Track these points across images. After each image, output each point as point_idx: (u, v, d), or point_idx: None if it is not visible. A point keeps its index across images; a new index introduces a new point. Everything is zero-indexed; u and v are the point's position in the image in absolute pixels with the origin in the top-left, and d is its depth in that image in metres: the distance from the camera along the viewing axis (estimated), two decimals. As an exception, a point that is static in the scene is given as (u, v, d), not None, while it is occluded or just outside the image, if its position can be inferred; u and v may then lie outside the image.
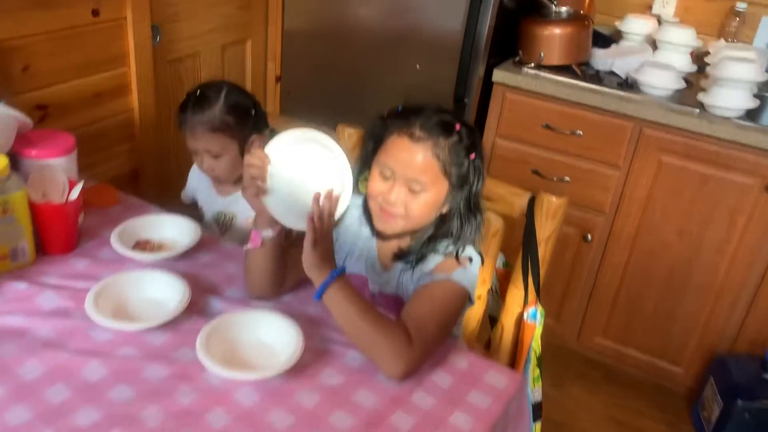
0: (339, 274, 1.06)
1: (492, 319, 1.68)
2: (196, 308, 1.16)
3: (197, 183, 1.67)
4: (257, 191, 1.12)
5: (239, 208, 1.56)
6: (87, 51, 1.77)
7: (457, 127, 1.13)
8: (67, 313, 1.13)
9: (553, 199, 1.41)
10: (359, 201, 1.26)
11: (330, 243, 1.10)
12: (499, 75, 2.16)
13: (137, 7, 1.84)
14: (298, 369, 1.05)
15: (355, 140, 1.64)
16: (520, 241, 1.48)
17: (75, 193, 1.25)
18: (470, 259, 1.19)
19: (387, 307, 1.24)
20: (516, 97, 2.18)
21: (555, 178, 2.20)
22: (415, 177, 1.12)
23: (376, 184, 1.16)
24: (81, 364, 1.03)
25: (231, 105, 1.48)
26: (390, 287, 1.25)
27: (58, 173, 1.26)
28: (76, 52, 1.74)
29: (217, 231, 1.63)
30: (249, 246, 1.16)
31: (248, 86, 2.49)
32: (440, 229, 1.19)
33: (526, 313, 1.47)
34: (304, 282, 1.20)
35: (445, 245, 1.19)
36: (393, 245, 1.24)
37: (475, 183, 1.17)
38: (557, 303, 2.36)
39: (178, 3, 2.04)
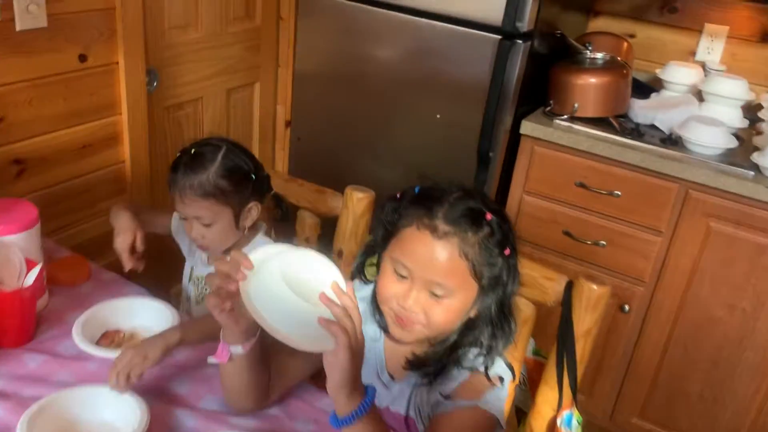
0: (371, 404, 0.85)
1: (518, 410, 1.46)
2: (164, 428, 0.96)
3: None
4: (222, 305, 0.87)
5: None
6: (72, 99, 1.61)
7: (488, 216, 0.93)
8: (8, 427, 0.93)
9: (594, 287, 1.20)
10: (364, 292, 1.06)
11: (362, 357, 0.86)
12: (528, 127, 1.96)
13: (130, 51, 1.68)
14: None
15: (365, 205, 1.45)
16: (554, 332, 1.27)
17: (31, 278, 1.06)
18: (501, 379, 0.98)
19: (396, 429, 1.02)
20: (546, 152, 1.97)
21: (589, 242, 1.98)
22: (438, 280, 0.92)
23: (390, 285, 0.95)
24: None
25: (228, 168, 1.28)
26: (399, 404, 1.03)
27: (13, 253, 1.08)
28: (59, 101, 1.58)
29: (189, 295, 1.44)
30: (213, 360, 0.95)
31: (256, 131, 2.32)
32: (466, 336, 0.98)
33: (559, 419, 1.26)
34: (294, 390, 1.00)
35: (472, 357, 0.98)
36: (405, 350, 1.03)
37: (510, 284, 0.96)
38: (590, 377, 2.12)
39: (177, 45, 1.88)
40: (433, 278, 0.91)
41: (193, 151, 1.30)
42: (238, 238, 1.35)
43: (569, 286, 1.24)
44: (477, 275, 0.92)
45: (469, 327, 0.98)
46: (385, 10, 2.04)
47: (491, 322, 0.97)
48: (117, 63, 1.67)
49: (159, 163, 1.94)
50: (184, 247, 1.48)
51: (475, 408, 0.93)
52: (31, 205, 1.18)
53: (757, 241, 1.77)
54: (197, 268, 1.44)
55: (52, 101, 1.56)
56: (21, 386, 1.01)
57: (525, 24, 1.86)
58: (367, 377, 1.06)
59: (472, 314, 0.97)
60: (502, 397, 0.97)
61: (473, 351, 0.98)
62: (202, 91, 2.03)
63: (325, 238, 1.56)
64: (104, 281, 1.30)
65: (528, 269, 1.28)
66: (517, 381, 1.37)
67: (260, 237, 1.39)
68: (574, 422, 1.24)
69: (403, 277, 0.94)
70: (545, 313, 1.32)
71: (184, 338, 1.06)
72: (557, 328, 1.24)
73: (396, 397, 1.04)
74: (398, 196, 0.99)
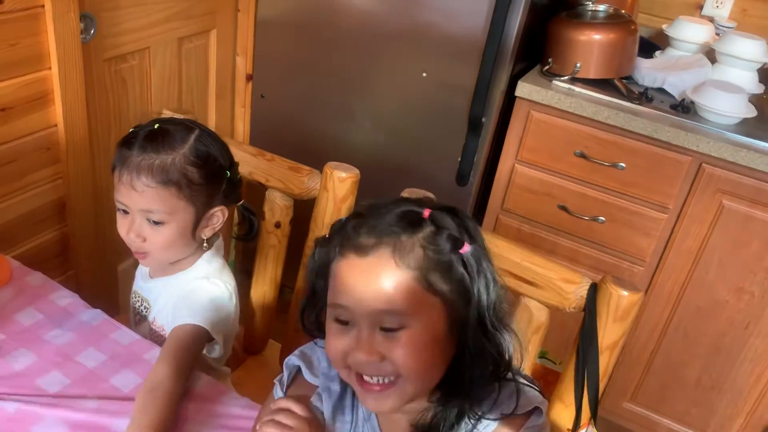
0: None
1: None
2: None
3: None
4: None
5: (158, 298, 1.13)
6: (-14, 51, 1.31)
7: (425, 213, 0.73)
8: None
9: (625, 293, 1.01)
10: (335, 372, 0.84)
11: None
12: (524, 89, 1.74)
13: (59, -8, 1.38)
14: None
15: (348, 186, 1.23)
16: (564, 331, 1.09)
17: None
18: (539, 411, 0.78)
19: None
20: (544, 117, 1.76)
21: (587, 217, 1.80)
22: (381, 308, 0.70)
23: (335, 342, 0.74)
24: None
25: (201, 155, 1.02)
26: None
27: None
28: (-31, 54, 1.28)
29: (132, 316, 1.21)
30: None
31: (212, 86, 2.03)
32: (458, 374, 0.76)
33: (577, 440, 1.09)
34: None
35: (490, 403, 0.78)
36: (403, 418, 0.81)
37: (483, 289, 0.74)
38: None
39: (118, -15, 1.58)
40: (374, 308, 0.70)
41: (156, 126, 1.02)
42: (187, 253, 1.09)
43: (593, 291, 1.05)
44: (430, 286, 0.71)
45: (457, 362, 0.76)
46: (363, -51, 1.76)
47: (479, 345, 0.75)
48: (42, 6, 1.37)
49: (100, 125, 1.66)
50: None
51: None
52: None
53: (774, 222, 1.62)
54: (138, 281, 1.19)
55: (-40, 54, 1.27)
56: None
57: (526, -30, 1.62)
58: None
59: (450, 343, 0.75)
60: (540, 423, 0.77)
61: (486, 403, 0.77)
62: (148, 40, 1.73)
63: (298, 224, 1.33)
64: (28, 285, 1.05)
65: (543, 269, 1.09)
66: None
67: (210, 255, 1.12)
68: (594, 444, 1.08)
69: (345, 324, 0.73)
70: (561, 321, 1.13)
71: None
72: (576, 337, 1.06)
73: None
74: (327, 235, 0.77)
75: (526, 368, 1.13)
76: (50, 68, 1.45)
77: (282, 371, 0.89)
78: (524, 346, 0.85)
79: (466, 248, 0.73)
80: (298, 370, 0.87)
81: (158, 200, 1.00)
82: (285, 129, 2.05)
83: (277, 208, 1.32)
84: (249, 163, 1.30)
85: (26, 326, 0.99)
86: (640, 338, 1.88)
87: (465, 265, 0.73)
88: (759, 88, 1.79)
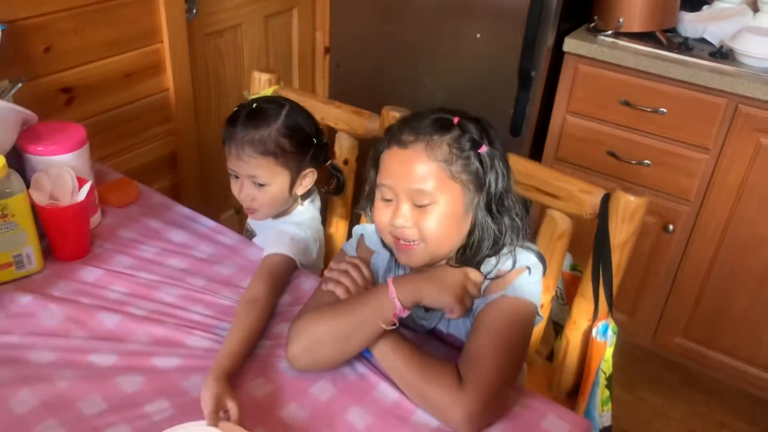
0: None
1: (556, 324, 1.49)
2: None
3: None
4: None
5: (261, 232, 1.38)
6: (115, 27, 1.64)
7: (455, 120, 0.95)
8: (68, 334, 1.01)
9: (632, 198, 1.19)
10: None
11: None
12: (570, 44, 1.91)
13: (168, -22, 1.69)
14: None
15: (402, 125, 1.45)
16: (591, 245, 1.27)
17: (82, 194, 1.12)
18: (528, 269, 0.99)
19: (444, 349, 1.06)
20: (590, 70, 1.93)
21: (633, 161, 1.95)
22: (415, 187, 0.93)
23: (381, 213, 0.98)
24: (78, 395, 0.91)
25: (291, 127, 1.23)
26: (441, 325, 1.08)
27: (65, 171, 1.14)
28: (102, 29, 1.61)
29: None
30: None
31: (295, 58, 2.33)
32: (471, 241, 0.99)
33: (595, 329, 1.27)
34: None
35: (494, 263, 1.00)
36: None
37: (494, 182, 0.96)
38: (632, 298, 2.13)
39: (215, -29, 1.88)
40: (410, 187, 0.93)
41: (254, 105, 1.25)
42: (287, 206, 1.33)
43: (606, 199, 1.23)
44: (453, 175, 0.93)
45: (470, 233, 0.99)
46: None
47: (487, 217, 0.97)
48: (156, -10, 1.70)
49: (201, 90, 1.98)
50: None
51: (502, 298, 0.95)
52: (80, 126, 1.24)
53: (810, 156, 1.71)
54: (249, 221, 1.43)
55: (96, 29, 1.60)
56: (80, 296, 1.08)
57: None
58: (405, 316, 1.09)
59: (468, 221, 0.98)
60: (532, 282, 0.98)
61: (493, 259, 1.00)
62: (240, 18, 2.04)
63: (363, 159, 1.58)
64: (153, 203, 1.36)
65: (564, 183, 1.28)
66: (553, 293, 1.39)
67: (304, 208, 1.36)
68: (610, 332, 1.26)
69: (389, 200, 0.97)
70: (581, 227, 1.32)
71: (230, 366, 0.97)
72: (593, 238, 1.25)
73: (431, 320, 1.08)
74: (382, 134, 1.01)
75: (553, 271, 1.33)
76: (162, 42, 1.77)
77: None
78: (528, 228, 1.06)
79: (483, 149, 0.96)
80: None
81: (260, 167, 1.22)
82: (357, 93, 2.30)
83: (345, 147, 1.57)
84: (321, 110, 1.55)
85: (154, 228, 1.29)
86: (688, 275, 2.01)
87: (481, 162, 0.96)
88: (799, 33, 1.87)
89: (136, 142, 1.80)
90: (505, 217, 0.99)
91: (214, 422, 0.85)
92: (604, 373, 1.27)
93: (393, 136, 0.97)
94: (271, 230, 1.29)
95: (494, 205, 0.98)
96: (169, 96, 1.84)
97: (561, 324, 1.41)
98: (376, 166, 1.01)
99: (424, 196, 0.94)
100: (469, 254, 0.99)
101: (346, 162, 1.59)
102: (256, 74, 1.62)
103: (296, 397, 0.94)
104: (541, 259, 1.04)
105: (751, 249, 1.89)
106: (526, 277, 0.98)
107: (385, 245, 1.06)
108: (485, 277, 0.99)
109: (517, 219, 1.00)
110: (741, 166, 1.81)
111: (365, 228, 1.13)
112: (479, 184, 0.96)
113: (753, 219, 1.85)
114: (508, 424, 0.92)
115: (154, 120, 1.83)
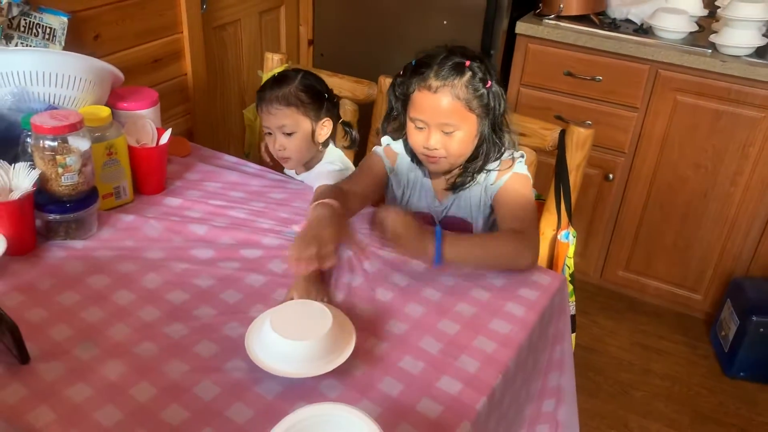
0: (440, 232, 1.17)
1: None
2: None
3: None
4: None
5: (304, 179, 1.67)
6: (145, 19, 1.94)
7: (467, 63, 1.28)
8: (170, 239, 1.31)
9: (582, 130, 1.57)
10: (397, 146, 1.45)
11: (411, 218, 1.18)
12: (521, 27, 2.31)
13: (187, -22, 2.01)
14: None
15: (396, 89, 1.80)
16: (552, 173, 1.64)
17: (165, 138, 1.43)
18: (521, 155, 1.39)
19: (453, 229, 1.40)
20: (538, 47, 2.33)
21: (578, 123, 2.35)
22: (444, 121, 1.28)
23: (416, 137, 1.32)
24: (192, 275, 1.21)
25: (306, 85, 1.55)
26: (451, 213, 1.44)
27: (148, 122, 1.44)
28: (136, 21, 1.91)
29: None
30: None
31: (283, 49, 2.65)
32: (480, 151, 1.35)
33: (559, 235, 1.64)
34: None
35: (495, 165, 1.37)
36: (443, 181, 1.42)
37: (497, 107, 1.32)
38: (581, 241, 2.52)
39: (220, -27, 2.20)
40: (440, 120, 1.28)
41: (277, 74, 1.61)
42: (313, 153, 1.62)
43: (563, 132, 1.61)
44: (471, 108, 1.28)
45: (479, 146, 1.35)
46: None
47: (491, 139, 1.34)
48: (178, -13, 2.01)
49: (212, 76, 2.28)
50: None
51: (513, 175, 1.35)
52: (153, 90, 1.54)
53: (715, 108, 2.15)
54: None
55: (133, 21, 1.89)
56: (170, 216, 1.39)
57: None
58: (425, 206, 1.47)
59: (478, 139, 1.34)
60: (524, 165, 1.38)
61: (494, 164, 1.37)
62: (239, 14, 2.35)
63: (363, 121, 1.92)
64: (202, 154, 1.67)
65: (530, 123, 1.64)
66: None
67: (329, 152, 1.64)
68: (571, 236, 1.63)
69: (421, 128, 1.31)
70: (544, 158, 1.69)
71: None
72: (554, 165, 1.62)
73: (444, 211, 1.45)
74: (402, 72, 1.35)
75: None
76: (182, 32, 2.07)
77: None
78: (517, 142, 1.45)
79: (489, 84, 1.31)
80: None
81: (286, 117, 1.52)
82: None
83: (348, 111, 1.91)
84: (327, 80, 1.87)
85: (210, 170, 1.59)
86: (627, 216, 2.42)
87: (488, 94, 1.31)
88: (703, 12, 2.32)
89: (163, 118, 2.08)
90: (504, 133, 1.36)
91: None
92: (569, 268, 1.64)
93: (423, 80, 1.28)
94: (310, 174, 1.62)
95: (497, 125, 1.35)
96: (187, 80, 2.14)
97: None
98: (405, 100, 1.34)
99: (450, 126, 1.29)
100: (479, 162, 1.36)
101: (350, 123, 1.93)
102: (268, 55, 1.94)
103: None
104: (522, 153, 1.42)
105: (675, 188, 2.31)
106: (520, 162, 1.37)
107: (413, 158, 1.41)
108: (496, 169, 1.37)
109: (512, 134, 1.38)
110: (663, 120, 2.23)
111: (389, 138, 1.47)
112: (487, 110, 1.32)
113: (675, 163, 2.28)
114: (511, 276, 1.26)
115: (175, 100, 2.12)
